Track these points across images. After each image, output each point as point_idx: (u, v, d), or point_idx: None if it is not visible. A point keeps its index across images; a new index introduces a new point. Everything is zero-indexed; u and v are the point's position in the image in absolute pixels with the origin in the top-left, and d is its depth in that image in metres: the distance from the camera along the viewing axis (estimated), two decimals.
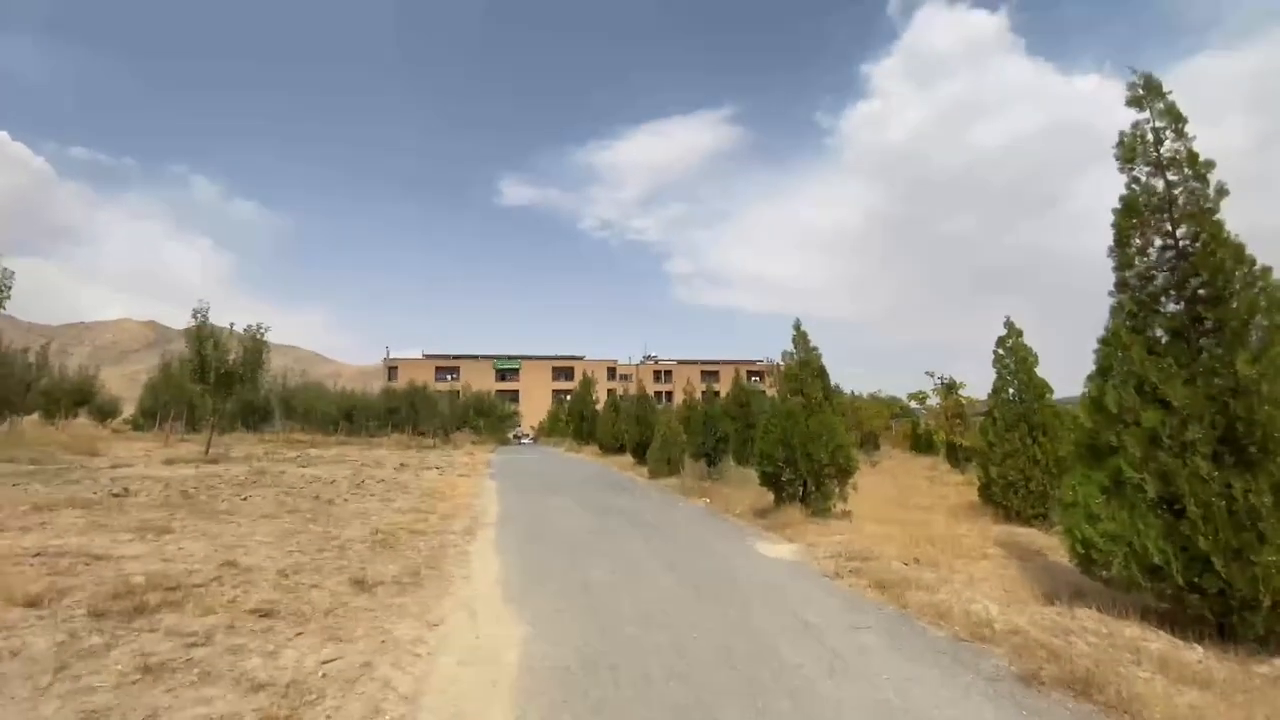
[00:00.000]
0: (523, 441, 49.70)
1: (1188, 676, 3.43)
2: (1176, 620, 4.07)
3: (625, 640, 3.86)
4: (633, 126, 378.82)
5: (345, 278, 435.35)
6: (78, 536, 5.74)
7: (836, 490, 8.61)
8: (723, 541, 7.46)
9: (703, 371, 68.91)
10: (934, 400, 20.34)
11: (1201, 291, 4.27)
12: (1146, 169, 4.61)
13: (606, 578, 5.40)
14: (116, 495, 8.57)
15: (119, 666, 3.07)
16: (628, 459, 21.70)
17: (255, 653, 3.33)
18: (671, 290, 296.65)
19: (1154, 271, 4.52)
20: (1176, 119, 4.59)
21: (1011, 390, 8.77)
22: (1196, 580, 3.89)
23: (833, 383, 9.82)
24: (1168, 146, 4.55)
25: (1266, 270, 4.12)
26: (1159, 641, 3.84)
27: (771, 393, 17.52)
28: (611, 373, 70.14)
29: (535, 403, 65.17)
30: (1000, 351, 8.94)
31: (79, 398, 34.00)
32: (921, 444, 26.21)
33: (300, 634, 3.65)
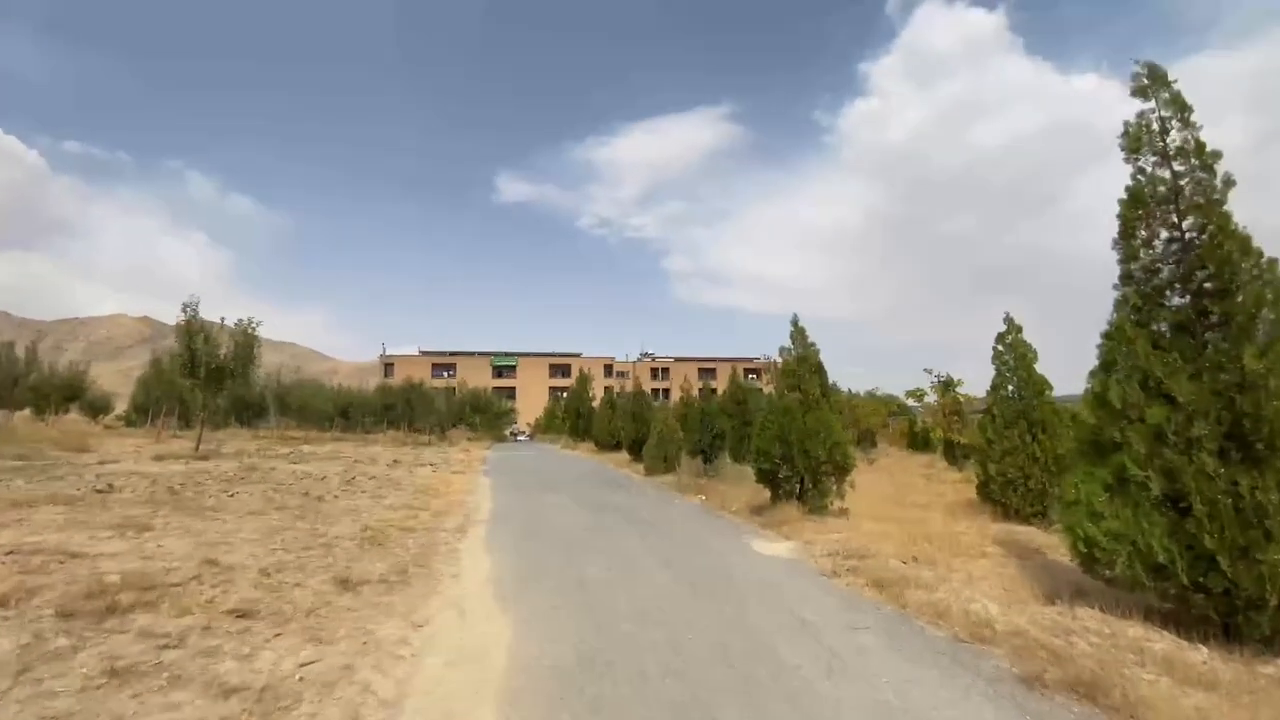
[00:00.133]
0: (519, 439, 49.55)
1: (1193, 678, 3.35)
2: (1180, 620, 3.99)
3: (619, 640, 3.75)
4: (631, 124, 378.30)
5: (345, 277, 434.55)
6: (54, 534, 5.58)
7: (834, 488, 8.52)
8: (719, 539, 7.37)
9: (700, 369, 68.91)
10: (931, 398, 20.29)
11: (1208, 284, 4.17)
12: (1153, 159, 4.50)
13: (600, 576, 5.29)
14: (100, 491, 8.40)
15: (84, 670, 2.94)
16: (624, 456, 21.60)
17: (230, 655, 3.20)
18: (670, 288, 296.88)
19: (1159, 264, 4.42)
20: (1182, 108, 4.48)
21: (1011, 387, 8.69)
22: (1201, 579, 3.80)
23: (831, 381, 9.72)
24: (1174, 136, 4.44)
25: (1274, 263, 4.02)
26: (1163, 642, 3.75)
27: (769, 390, 17.41)
28: (609, 370, 70.01)
29: (532, 400, 65.01)
30: (1000, 348, 8.85)
31: (69, 393, 33.65)
32: (918, 442, 26.20)
33: (279, 635, 3.52)
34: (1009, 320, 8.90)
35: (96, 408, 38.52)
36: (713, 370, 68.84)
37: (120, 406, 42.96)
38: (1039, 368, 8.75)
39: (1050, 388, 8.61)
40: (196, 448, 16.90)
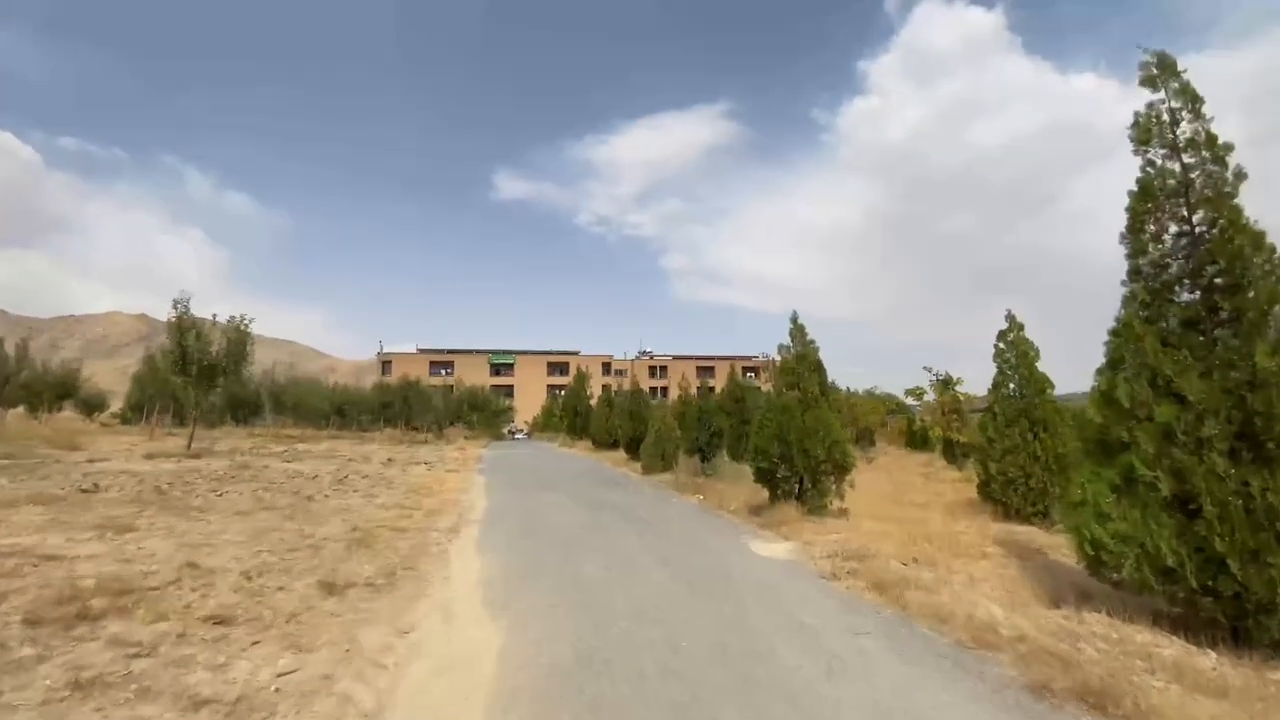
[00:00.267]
0: (517, 437, 49.40)
1: (1203, 685, 3.24)
2: (1188, 624, 3.88)
3: (614, 649, 3.62)
4: (629, 121, 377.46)
5: (343, 275, 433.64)
6: (32, 535, 5.43)
7: (833, 487, 8.40)
8: (717, 538, 7.25)
9: (698, 367, 68.78)
10: (930, 396, 20.21)
11: (1218, 280, 4.05)
12: (1162, 152, 4.38)
13: (595, 577, 5.15)
14: (85, 491, 8.24)
15: (48, 681, 2.80)
16: (621, 455, 21.47)
17: (204, 665, 3.06)
18: (669, 287, 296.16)
19: (1168, 259, 4.30)
20: (1193, 99, 4.35)
21: (1012, 385, 8.58)
22: (1211, 583, 3.70)
23: (830, 380, 9.60)
24: (1184, 128, 4.32)
25: None
26: (1172, 648, 3.64)
27: (767, 388, 17.31)
28: (607, 368, 69.85)
29: (530, 397, 64.82)
30: (1001, 346, 8.74)
31: (62, 391, 33.37)
32: (916, 440, 26.13)
33: (257, 643, 3.38)
34: (1011, 318, 8.79)
35: (91, 405, 38.21)
36: (711, 369, 68.73)
37: (116, 404, 42.63)
38: (1040, 366, 8.65)
39: (1052, 386, 8.50)
40: (189, 445, 16.71)
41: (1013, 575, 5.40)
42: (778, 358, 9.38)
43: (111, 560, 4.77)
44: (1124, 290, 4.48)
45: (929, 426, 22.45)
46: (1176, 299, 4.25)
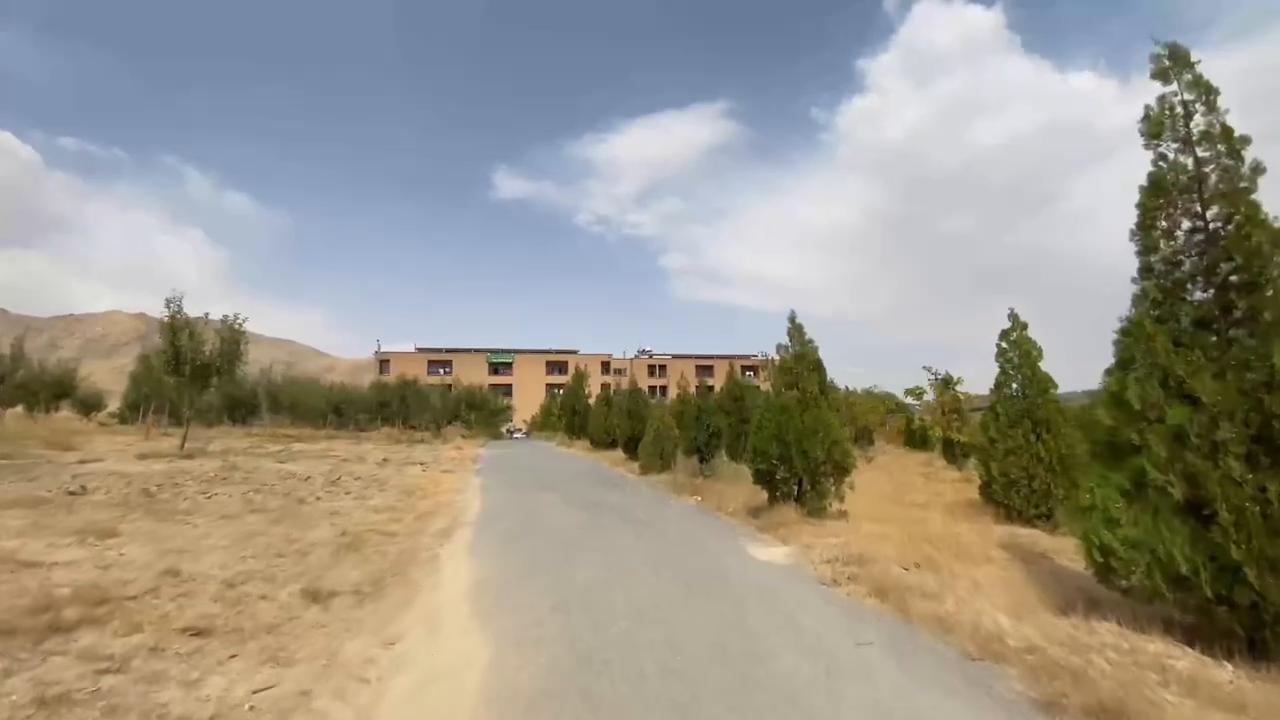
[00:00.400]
0: (515, 436, 49.26)
1: (1220, 699, 3.11)
2: (1201, 634, 3.75)
3: (604, 660, 3.49)
4: (628, 121, 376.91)
5: (342, 274, 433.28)
6: (11, 540, 5.28)
7: (833, 489, 8.27)
8: (715, 540, 7.12)
9: (698, 366, 68.68)
10: (930, 395, 20.10)
11: (1233, 278, 3.91)
12: (1174, 145, 4.24)
13: (590, 585, 5.01)
14: (72, 493, 8.09)
15: (12, 698, 2.66)
16: (620, 454, 21.34)
17: (176, 681, 2.92)
18: (668, 286, 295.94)
19: (1181, 256, 4.16)
20: (1207, 91, 4.21)
21: (1015, 385, 8.45)
22: (1226, 592, 3.57)
23: (829, 379, 9.45)
24: (1198, 120, 4.18)
25: None
26: (1185, 660, 3.51)
27: (766, 387, 17.17)
28: (606, 367, 69.71)
29: (529, 396, 64.65)
30: (1003, 345, 8.61)
31: (59, 390, 33.17)
32: (915, 439, 26.03)
33: (234, 656, 3.24)
34: (1013, 317, 8.66)
35: (89, 405, 38.01)
36: (710, 368, 68.61)
37: (116, 404, 42.44)
38: (1041, 366, 8.51)
39: (1055, 386, 8.37)
40: (182, 446, 16.56)
41: (1018, 581, 5.26)
42: (776, 357, 9.24)
43: (91, 567, 4.63)
44: (1134, 288, 4.35)
45: (929, 426, 22.34)
46: (1189, 297, 4.11)
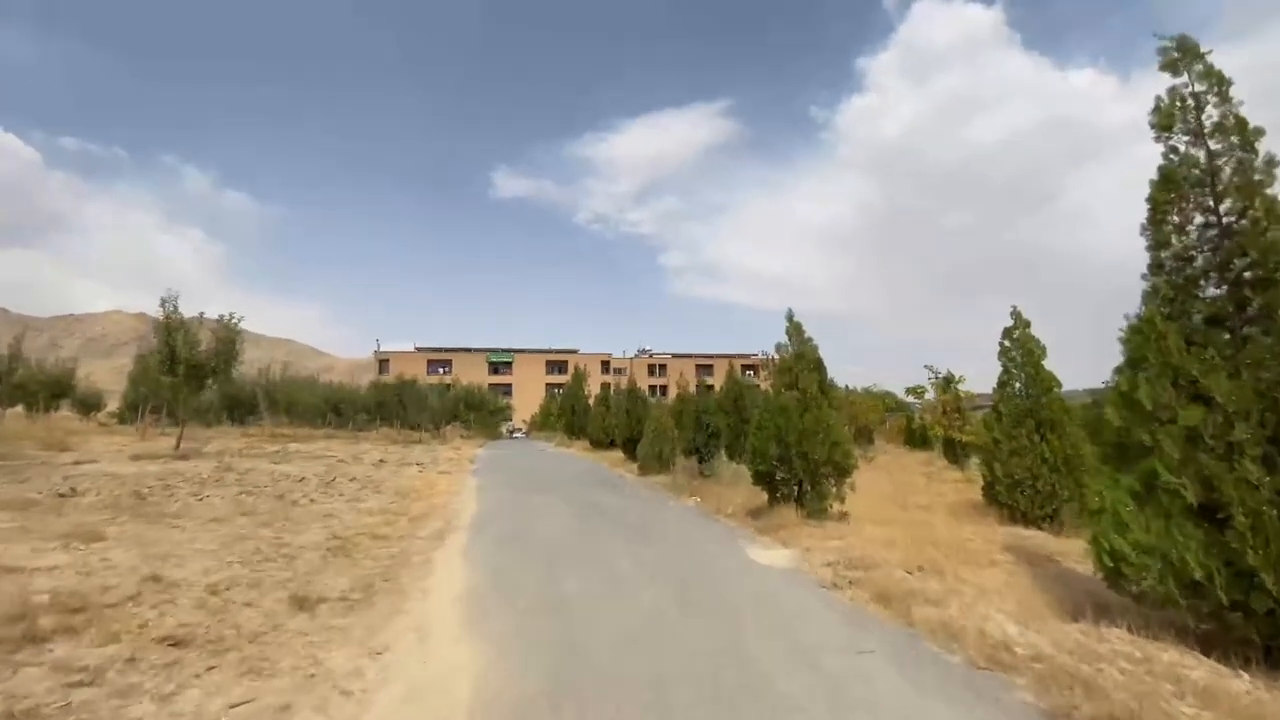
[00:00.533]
0: (514, 436, 49.11)
1: (1238, 711, 2.99)
2: (1216, 642, 3.63)
3: (598, 666, 3.37)
4: (628, 119, 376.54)
5: (342, 274, 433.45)
6: None
7: (833, 490, 8.14)
8: (714, 543, 6.99)
9: (697, 366, 68.57)
10: (931, 394, 19.97)
11: (1248, 274, 3.80)
12: (1186, 138, 4.12)
13: (584, 593, 4.89)
14: (62, 495, 7.97)
15: None
16: (619, 455, 21.21)
17: (150, 694, 2.80)
18: (667, 285, 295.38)
19: (1193, 252, 4.04)
20: (1219, 81, 4.10)
21: (1018, 384, 8.32)
22: (1242, 599, 3.45)
23: (829, 378, 9.32)
24: (1210, 112, 4.06)
25: None
26: (1200, 669, 3.39)
27: (765, 387, 17.04)
28: (605, 366, 69.58)
29: (528, 396, 64.50)
30: (1006, 343, 8.48)
31: (56, 390, 32.98)
32: (916, 439, 25.89)
33: (213, 668, 3.12)
34: (1016, 314, 8.54)
35: (87, 405, 37.83)
36: (710, 367, 68.50)
37: (116, 404, 42.27)
38: (1045, 365, 8.39)
39: (1059, 384, 8.25)
40: (177, 446, 16.43)
41: (1024, 585, 5.14)
42: (776, 356, 9.12)
43: (73, 573, 4.51)
44: (1143, 285, 4.23)
45: (929, 425, 22.20)
46: (1201, 294, 4.00)
